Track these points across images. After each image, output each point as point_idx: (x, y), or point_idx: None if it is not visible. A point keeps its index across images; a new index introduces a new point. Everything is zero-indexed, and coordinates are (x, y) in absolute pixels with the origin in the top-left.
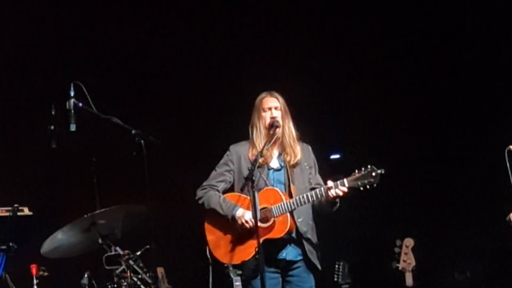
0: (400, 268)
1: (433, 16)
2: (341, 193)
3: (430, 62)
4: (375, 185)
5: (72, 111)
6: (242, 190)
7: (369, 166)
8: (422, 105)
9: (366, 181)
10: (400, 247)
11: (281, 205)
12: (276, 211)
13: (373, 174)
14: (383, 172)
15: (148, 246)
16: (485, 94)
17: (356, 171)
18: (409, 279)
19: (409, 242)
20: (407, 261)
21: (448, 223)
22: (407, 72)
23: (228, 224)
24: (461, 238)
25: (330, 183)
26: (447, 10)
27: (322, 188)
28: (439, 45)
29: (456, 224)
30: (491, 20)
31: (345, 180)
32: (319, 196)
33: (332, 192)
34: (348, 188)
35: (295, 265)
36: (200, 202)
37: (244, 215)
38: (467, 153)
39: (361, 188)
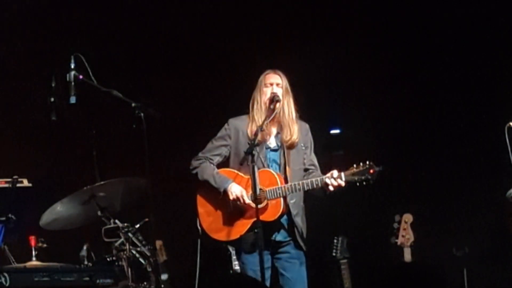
0: (399, 243)
1: None
2: (337, 185)
3: (431, 38)
4: (371, 182)
5: (73, 83)
6: (241, 164)
7: (368, 162)
8: (423, 80)
9: (363, 177)
10: (399, 222)
11: (276, 189)
12: (270, 194)
13: (371, 171)
14: (381, 169)
15: (147, 219)
16: (485, 71)
17: (355, 165)
18: (407, 255)
19: (408, 217)
20: (406, 236)
21: (447, 199)
22: (408, 48)
23: (220, 199)
24: (460, 214)
25: (335, 173)
26: None
27: (319, 179)
28: (441, 24)
29: (455, 200)
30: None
31: (342, 173)
32: (315, 186)
33: (329, 185)
34: (345, 182)
35: (284, 243)
36: (193, 172)
37: (236, 190)
38: (467, 129)
39: (357, 184)
